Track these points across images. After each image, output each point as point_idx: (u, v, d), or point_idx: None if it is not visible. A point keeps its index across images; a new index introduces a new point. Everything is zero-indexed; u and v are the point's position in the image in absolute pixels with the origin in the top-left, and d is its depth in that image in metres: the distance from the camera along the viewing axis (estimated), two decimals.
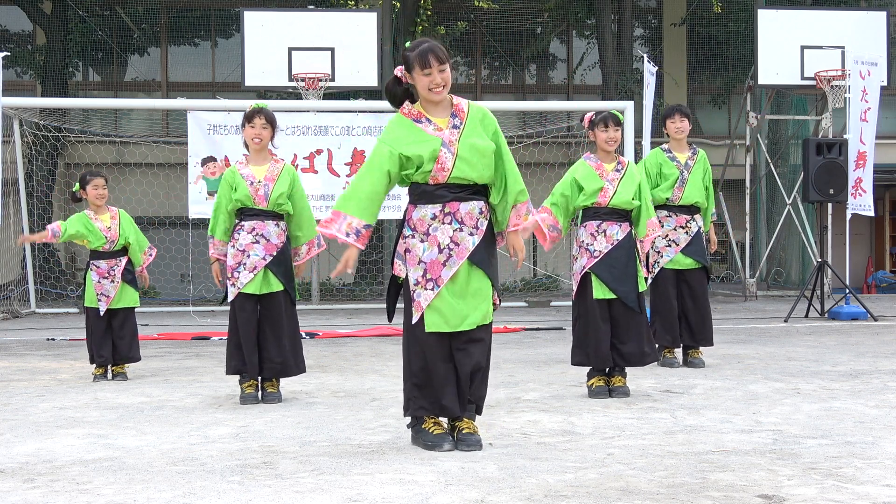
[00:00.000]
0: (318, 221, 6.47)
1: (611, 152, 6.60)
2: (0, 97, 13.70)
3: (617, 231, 6.47)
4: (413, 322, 4.71)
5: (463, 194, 4.72)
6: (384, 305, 5.04)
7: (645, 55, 15.72)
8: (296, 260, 6.57)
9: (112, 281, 7.65)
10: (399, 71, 4.80)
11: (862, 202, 13.99)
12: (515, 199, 4.77)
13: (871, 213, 14.37)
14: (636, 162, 9.06)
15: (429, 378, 4.71)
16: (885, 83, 15.97)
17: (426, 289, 4.66)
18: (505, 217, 4.79)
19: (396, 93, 4.84)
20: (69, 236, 7.67)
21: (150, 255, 7.90)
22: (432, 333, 4.66)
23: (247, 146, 6.55)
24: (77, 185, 7.73)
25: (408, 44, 4.83)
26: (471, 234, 4.70)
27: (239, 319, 6.36)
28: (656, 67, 15.85)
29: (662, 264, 7.92)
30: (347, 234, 4.67)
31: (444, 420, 4.78)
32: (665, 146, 8.24)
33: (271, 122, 6.47)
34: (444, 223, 4.69)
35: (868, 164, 14.18)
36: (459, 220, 4.70)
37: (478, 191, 4.76)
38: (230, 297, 6.37)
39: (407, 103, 4.84)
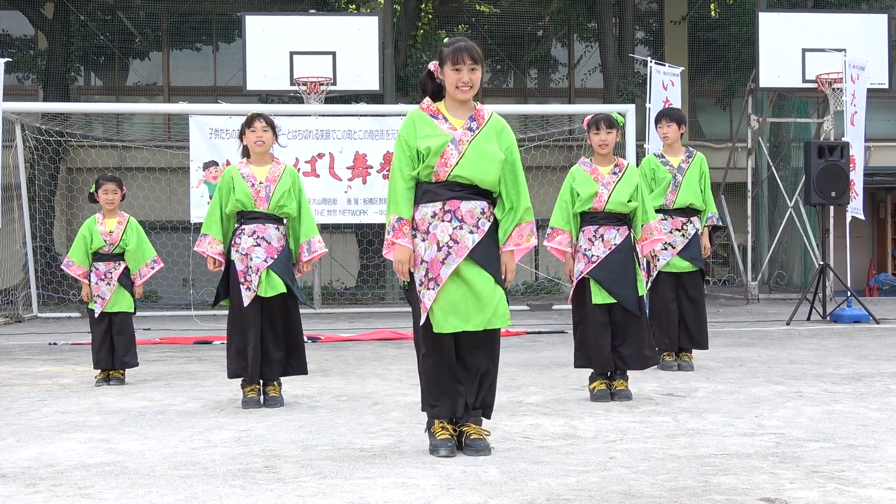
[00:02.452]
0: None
1: (606, 155, 6.59)
2: (0, 102, 13.72)
3: (615, 235, 6.45)
4: (421, 323, 4.70)
5: (463, 193, 4.70)
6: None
7: (649, 59, 15.72)
8: (300, 259, 6.56)
9: (108, 284, 7.66)
10: (433, 65, 4.83)
11: (853, 206, 14.01)
12: (521, 216, 4.70)
13: (862, 217, 14.37)
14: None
15: (433, 380, 4.70)
16: (886, 86, 16.02)
17: (428, 288, 4.65)
18: (507, 233, 4.72)
19: (427, 87, 4.87)
20: (78, 256, 7.69)
21: (153, 268, 7.85)
22: (438, 334, 4.65)
23: (244, 154, 6.54)
24: (94, 186, 7.77)
25: (445, 40, 4.86)
26: (471, 233, 4.67)
27: (243, 324, 6.36)
28: (681, 68, 15.87)
29: (659, 267, 7.91)
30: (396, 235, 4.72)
31: (451, 425, 4.76)
32: (658, 151, 8.26)
33: (271, 125, 6.49)
34: (443, 220, 4.68)
35: (857, 169, 14.19)
36: (459, 218, 4.68)
37: (480, 193, 4.74)
38: (247, 302, 6.34)
39: (427, 99, 4.86)
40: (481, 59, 4.76)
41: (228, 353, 6.46)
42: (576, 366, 6.66)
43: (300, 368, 6.56)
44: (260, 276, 6.32)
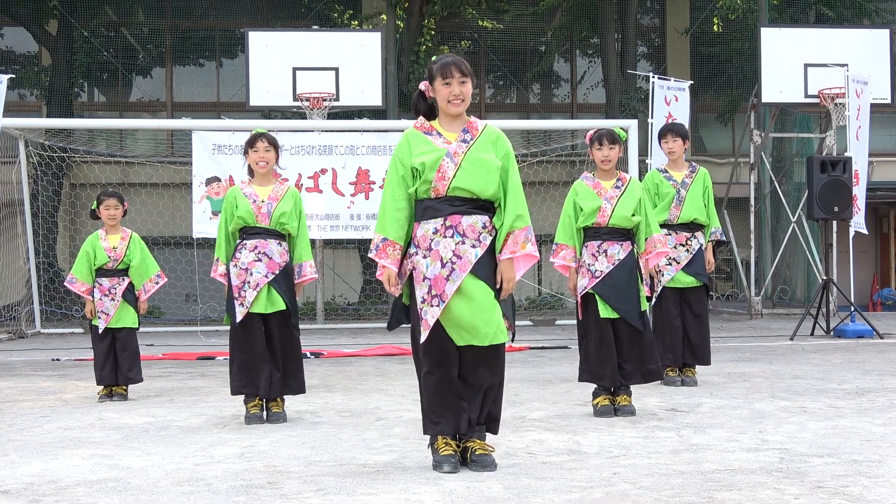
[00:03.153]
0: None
1: (609, 171, 6.59)
2: (1, 117, 13.80)
3: (618, 251, 6.44)
4: (422, 341, 4.68)
5: (464, 208, 4.70)
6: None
7: (651, 74, 15.73)
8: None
9: (112, 299, 7.66)
10: (423, 85, 4.85)
11: (855, 220, 14.00)
12: (512, 224, 4.68)
13: (865, 231, 14.36)
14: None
15: (436, 397, 4.68)
16: (888, 101, 16.02)
17: (432, 305, 4.63)
18: (500, 241, 4.71)
19: (420, 107, 4.89)
20: (81, 272, 7.70)
21: (157, 283, 7.88)
22: (441, 351, 4.64)
23: (250, 172, 6.56)
24: (95, 202, 7.79)
25: (434, 58, 4.89)
26: (473, 247, 4.66)
27: (245, 339, 6.35)
28: (689, 82, 15.89)
29: (664, 283, 7.90)
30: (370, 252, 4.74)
31: (454, 441, 4.74)
32: (662, 166, 8.27)
33: (274, 145, 6.49)
34: (445, 237, 4.67)
35: (861, 183, 14.19)
36: (461, 233, 4.67)
37: (481, 206, 4.74)
38: (239, 317, 6.34)
39: (421, 118, 4.87)
40: (471, 72, 4.79)
41: (231, 370, 6.46)
42: (580, 380, 6.65)
43: (298, 388, 6.55)
44: (259, 292, 6.32)
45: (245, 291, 6.32)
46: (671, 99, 15.39)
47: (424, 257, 4.69)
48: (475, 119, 4.89)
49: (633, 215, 6.49)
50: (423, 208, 4.73)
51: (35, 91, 20.65)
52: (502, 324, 4.69)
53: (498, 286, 4.71)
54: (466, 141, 4.77)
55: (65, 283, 8.05)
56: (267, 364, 6.36)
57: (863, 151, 14.50)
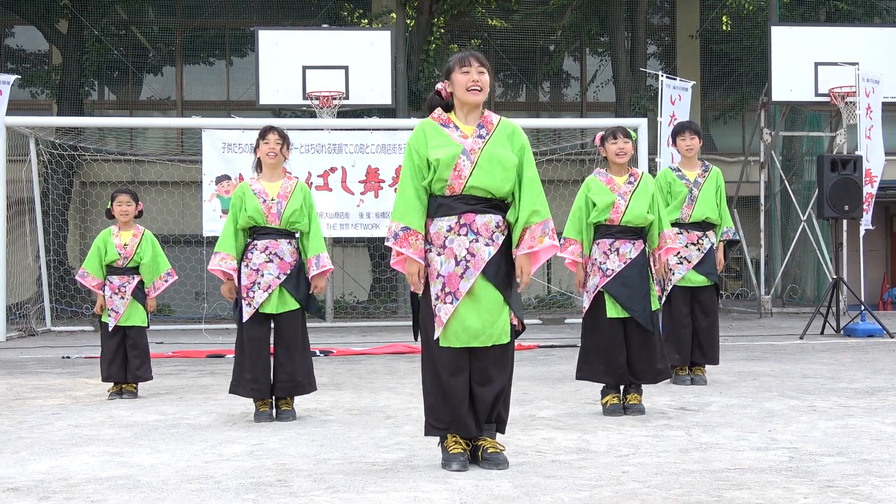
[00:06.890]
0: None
1: (623, 165, 6.58)
2: (4, 116, 13.92)
3: (630, 249, 6.43)
4: (434, 338, 4.68)
5: (479, 206, 4.69)
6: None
7: (660, 73, 15.70)
8: (308, 274, 6.54)
9: (122, 297, 7.68)
10: (440, 85, 4.85)
11: (866, 219, 14.02)
12: (527, 219, 4.66)
13: (871, 227, 14.39)
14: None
15: (446, 395, 4.68)
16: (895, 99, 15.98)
17: (445, 303, 4.64)
18: (517, 237, 4.70)
19: (435, 104, 4.89)
20: (92, 267, 7.73)
21: (167, 281, 7.89)
22: (449, 349, 4.64)
23: (258, 166, 6.56)
24: (110, 201, 7.80)
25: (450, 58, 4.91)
26: (487, 245, 4.67)
27: (251, 339, 6.35)
28: (692, 82, 15.86)
29: (675, 282, 7.89)
30: (388, 239, 4.72)
31: (464, 439, 4.74)
32: (674, 164, 8.26)
33: (285, 139, 6.51)
34: (459, 234, 4.67)
35: (875, 182, 14.21)
36: (475, 231, 4.67)
37: (495, 205, 4.73)
38: (245, 317, 6.35)
39: (438, 109, 4.86)
40: (488, 66, 4.79)
41: (235, 369, 6.46)
42: (577, 377, 6.65)
43: (311, 385, 6.53)
44: (271, 294, 6.32)
45: (254, 292, 6.32)
46: (675, 98, 15.36)
47: (439, 254, 4.69)
48: (489, 113, 4.87)
49: (648, 213, 6.47)
50: (437, 205, 4.73)
51: (45, 90, 20.70)
52: (507, 325, 4.69)
53: (517, 278, 4.72)
54: (482, 136, 4.75)
55: (76, 277, 8.08)
56: (269, 368, 6.36)
57: (877, 150, 14.47)
